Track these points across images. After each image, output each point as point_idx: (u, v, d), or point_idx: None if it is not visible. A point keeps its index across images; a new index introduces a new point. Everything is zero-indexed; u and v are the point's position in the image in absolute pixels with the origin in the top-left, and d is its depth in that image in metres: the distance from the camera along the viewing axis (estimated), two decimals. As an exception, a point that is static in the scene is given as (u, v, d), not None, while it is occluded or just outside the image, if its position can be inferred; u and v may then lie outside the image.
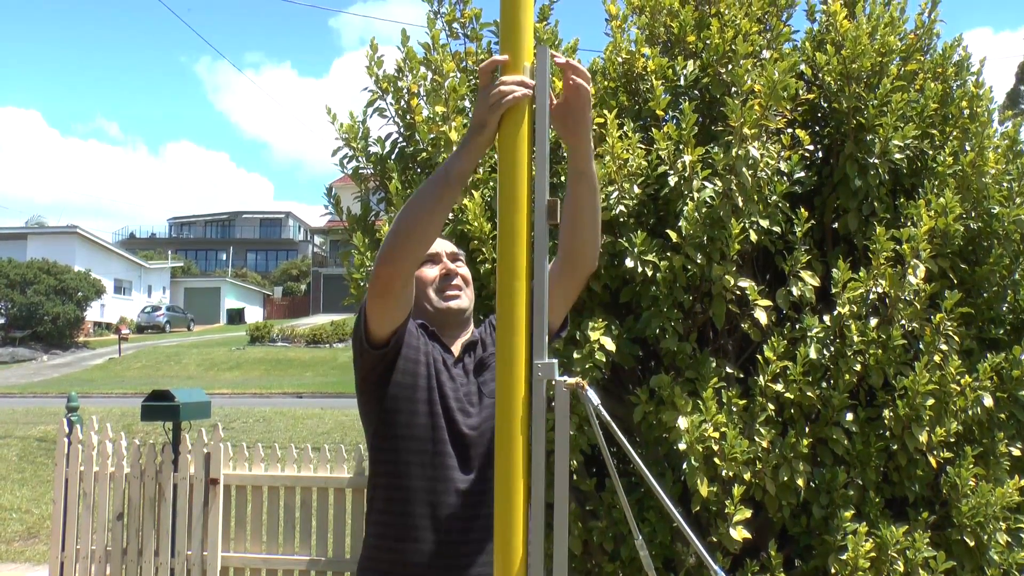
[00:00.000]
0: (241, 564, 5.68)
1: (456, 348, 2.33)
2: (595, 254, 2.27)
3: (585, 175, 2.07)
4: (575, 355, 3.30)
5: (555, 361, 1.72)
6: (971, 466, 3.36)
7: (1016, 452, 3.59)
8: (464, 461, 2.20)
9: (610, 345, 3.29)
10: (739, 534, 3.18)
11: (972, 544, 3.36)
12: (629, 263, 3.37)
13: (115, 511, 5.72)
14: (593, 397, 1.75)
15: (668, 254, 3.40)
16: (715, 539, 3.24)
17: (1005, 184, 3.85)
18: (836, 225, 3.78)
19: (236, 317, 50.39)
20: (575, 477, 3.60)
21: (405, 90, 4.06)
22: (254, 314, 52.74)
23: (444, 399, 2.22)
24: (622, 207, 3.44)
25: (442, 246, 2.38)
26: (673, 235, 3.38)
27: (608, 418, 1.72)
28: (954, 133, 3.89)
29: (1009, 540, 3.46)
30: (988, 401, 3.44)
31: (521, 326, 1.75)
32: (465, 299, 2.38)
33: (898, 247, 3.42)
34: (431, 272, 2.34)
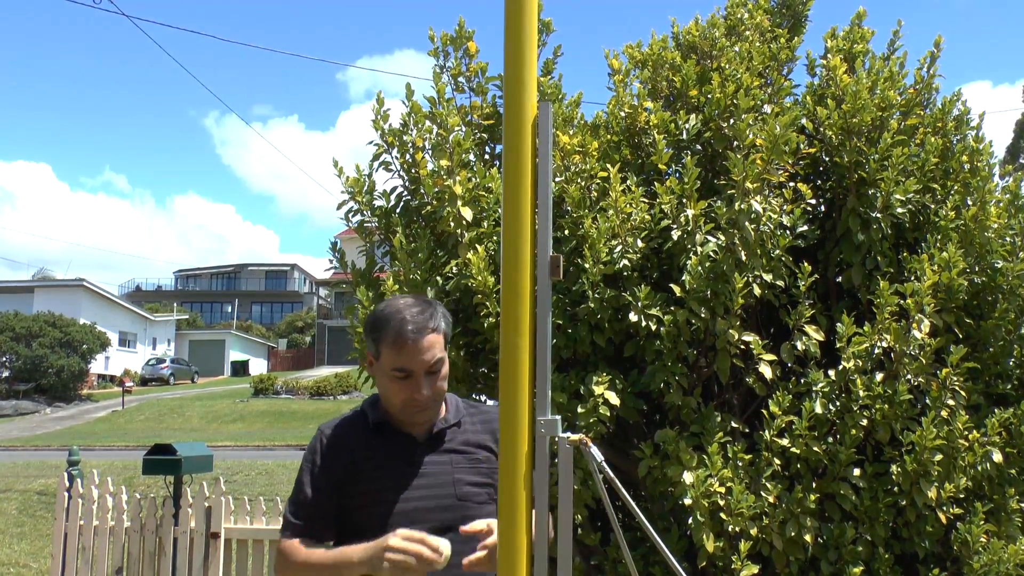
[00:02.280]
0: (241, 621, 5.60)
1: (420, 431, 2.27)
2: None
3: None
4: (579, 409, 3.28)
5: (558, 418, 1.71)
6: (982, 522, 3.31)
7: (1027, 509, 3.54)
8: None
9: (614, 399, 3.27)
10: (747, 591, 3.13)
11: (985, 602, 3.30)
12: (633, 317, 3.37)
13: (114, 565, 5.66)
14: (596, 454, 1.73)
15: (672, 308, 3.40)
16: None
17: (1008, 239, 3.86)
18: (840, 279, 3.78)
19: (240, 369, 50.36)
20: (579, 531, 3.55)
21: (410, 144, 4.10)
22: (258, 366, 52.68)
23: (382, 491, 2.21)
24: (626, 261, 3.45)
25: (419, 362, 2.12)
26: (677, 289, 3.38)
27: (612, 474, 1.70)
28: (955, 187, 3.91)
29: (1022, 598, 3.40)
30: (997, 457, 3.40)
31: (524, 382, 1.74)
32: (430, 412, 2.23)
33: (902, 301, 3.42)
34: (400, 391, 2.16)
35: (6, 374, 34.11)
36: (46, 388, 34.25)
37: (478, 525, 2.06)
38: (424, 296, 2.31)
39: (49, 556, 7.21)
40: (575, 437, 1.72)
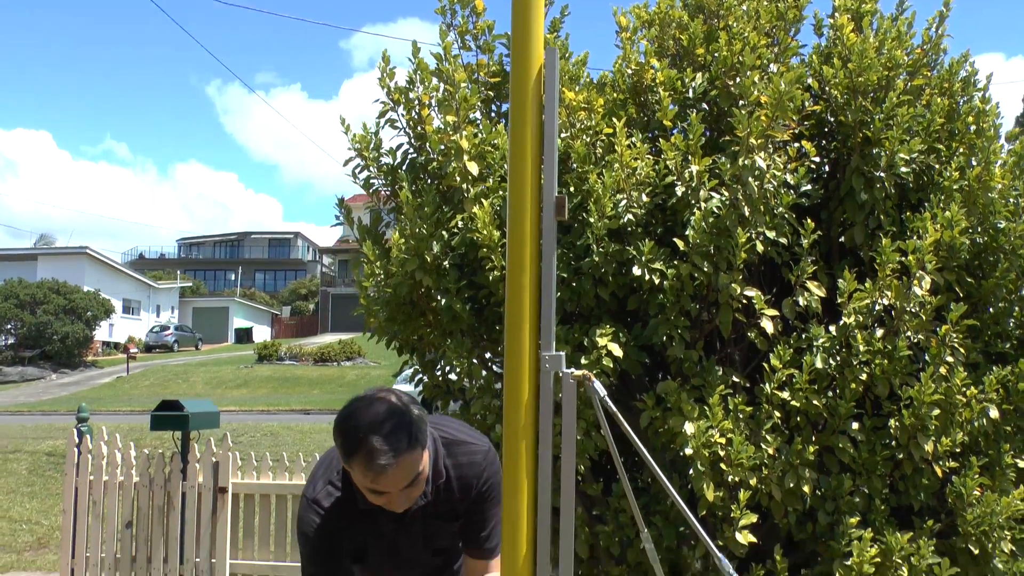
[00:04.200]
0: (249, 571, 5.71)
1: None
2: None
3: None
4: (583, 360, 3.33)
5: (562, 354, 1.75)
6: (976, 476, 3.37)
7: (1022, 464, 3.59)
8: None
9: (617, 351, 3.32)
10: (745, 538, 3.19)
11: (977, 552, 3.36)
12: (636, 271, 3.41)
13: (124, 520, 5.75)
14: (599, 388, 1.78)
15: (675, 262, 3.43)
16: (721, 543, 3.25)
17: (1011, 199, 3.88)
18: (842, 239, 3.81)
19: (244, 336, 50.52)
20: (582, 482, 3.62)
21: (416, 101, 4.12)
22: (262, 333, 52.85)
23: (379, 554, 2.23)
24: (630, 215, 3.49)
25: (392, 486, 1.99)
26: (680, 244, 3.42)
27: (614, 408, 1.75)
28: (960, 149, 3.93)
29: (1014, 549, 3.46)
30: (994, 413, 3.45)
31: (528, 319, 1.78)
32: (404, 506, 2.10)
33: (903, 259, 3.45)
34: (374, 499, 2.05)
35: (11, 341, 34.31)
36: (51, 355, 34.45)
37: None
38: (391, 403, 1.98)
39: (59, 513, 7.33)
40: (578, 373, 1.76)
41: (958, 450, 3.41)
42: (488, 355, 4.01)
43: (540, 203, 1.81)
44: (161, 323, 47.93)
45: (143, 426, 12.18)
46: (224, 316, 55.15)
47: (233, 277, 68.20)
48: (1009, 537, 3.42)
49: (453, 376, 4.33)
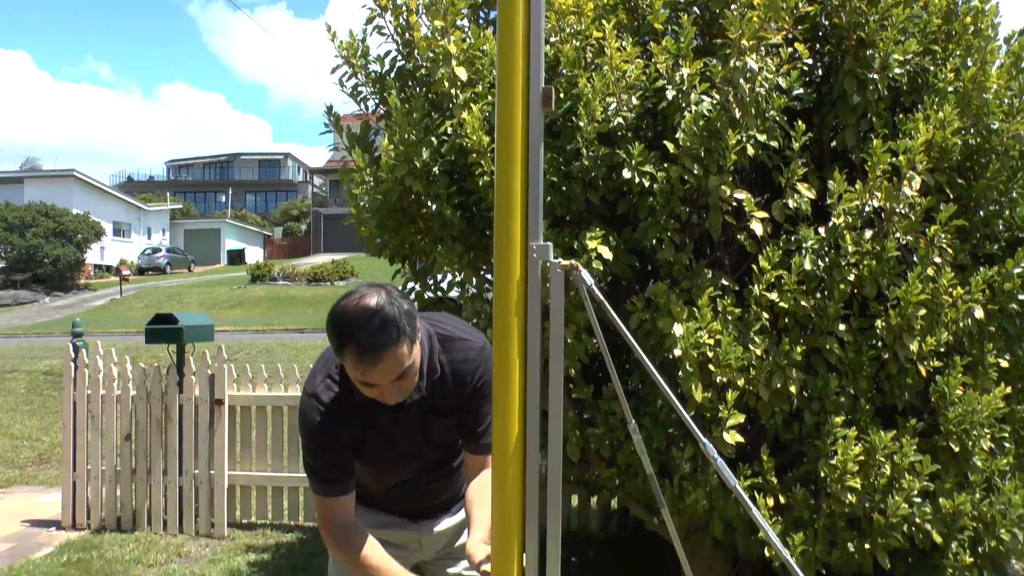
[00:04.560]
0: (247, 482, 5.83)
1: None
2: None
3: None
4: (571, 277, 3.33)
5: (550, 244, 1.76)
6: (959, 376, 3.43)
7: (1004, 363, 3.65)
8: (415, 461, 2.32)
9: (607, 254, 3.33)
10: (732, 438, 3.26)
11: (957, 450, 3.45)
12: (626, 174, 3.40)
13: (123, 432, 5.84)
14: (587, 277, 1.79)
15: (665, 165, 3.42)
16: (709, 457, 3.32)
17: (1006, 100, 3.84)
18: (834, 143, 3.79)
19: (236, 258, 50.49)
20: (573, 386, 3.67)
21: (404, 7, 4.04)
22: (254, 255, 52.79)
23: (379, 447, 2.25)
24: (620, 119, 3.46)
25: (381, 377, 2.02)
26: (670, 146, 3.40)
27: (601, 297, 1.77)
28: (957, 50, 3.87)
29: (992, 447, 3.55)
30: (979, 313, 3.49)
31: (517, 209, 1.78)
32: (397, 399, 2.13)
33: (895, 159, 3.44)
34: (367, 392, 2.09)
35: (2, 264, 34.21)
36: (43, 278, 34.41)
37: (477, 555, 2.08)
38: (379, 297, 2.00)
39: (59, 430, 7.43)
40: (566, 262, 1.77)
41: (942, 350, 3.46)
42: (480, 265, 4.02)
43: (528, 96, 1.79)
44: (153, 245, 47.74)
45: (139, 345, 12.27)
46: (216, 238, 54.97)
47: (223, 199, 67.74)
48: (988, 435, 3.50)
49: (445, 285, 4.36)
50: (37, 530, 5.92)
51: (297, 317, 24.06)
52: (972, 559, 3.55)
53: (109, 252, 43.36)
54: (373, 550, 2.16)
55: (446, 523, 2.44)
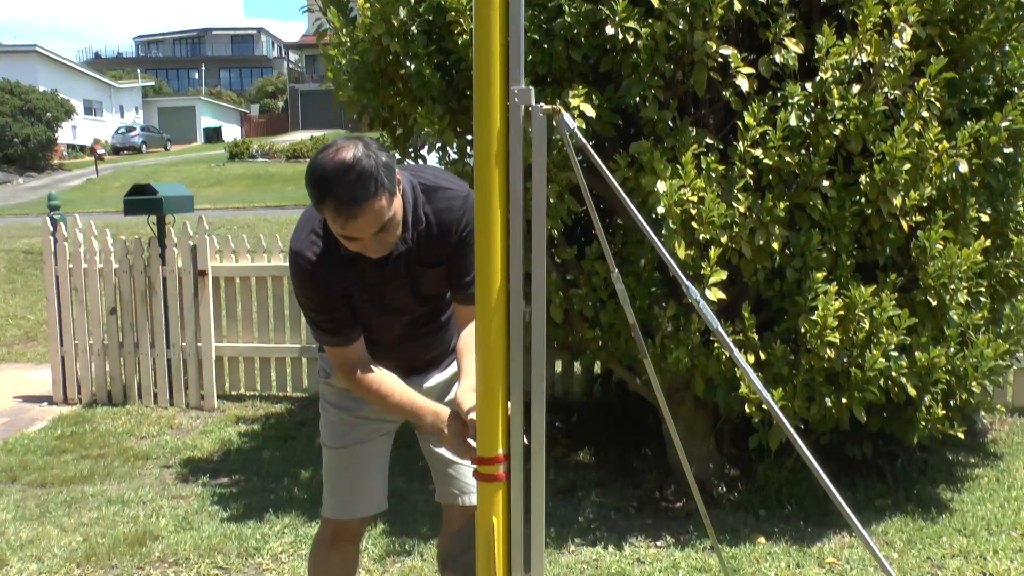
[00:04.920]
0: (235, 354, 5.89)
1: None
2: None
3: None
4: (554, 123, 3.27)
5: (532, 88, 1.71)
6: (941, 230, 3.45)
7: (985, 218, 3.67)
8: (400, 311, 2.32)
9: (590, 112, 3.27)
10: (714, 295, 3.29)
11: (934, 304, 3.50)
12: (610, 31, 3.30)
13: (108, 306, 5.84)
14: (570, 121, 1.75)
15: (650, 21, 3.32)
16: (690, 301, 3.36)
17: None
18: (824, -2, 3.68)
19: (213, 136, 49.56)
20: (555, 247, 3.67)
21: None
22: (231, 132, 51.80)
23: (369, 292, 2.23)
24: (604, -30, 3.32)
25: (362, 231, 1.99)
26: (655, 1, 3.29)
27: (584, 141, 1.73)
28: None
29: (969, 301, 3.61)
30: (963, 167, 3.48)
31: (496, 55, 1.72)
32: (380, 251, 2.10)
33: (886, 11, 3.35)
34: (349, 246, 2.06)
35: (-32, 146, 33.41)
36: (14, 158, 33.65)
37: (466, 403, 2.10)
38: (356, 150, 1.95)
39: (44, 308, 7.42)
40: (548, 107, 1.73)
41: (925, 204, 3.46)
42: (461, 128, 3.95)
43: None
44: (126, 124, 46.63)
45: (118, 222, 12.15)
46: (191, 116, 53.75)
47: (196, 76, 65.83)
48: (966, 290, 3.55)
49: (425, 152, 4.30)
50: (29, 405, 5.99)
51: (278, 194, 23.81)
52: (944, 412, 3.67)
53: (81, 131, 42.36)
54: (394, 383, 2.23)
55: (436, 379, 2.48)
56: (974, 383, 3.67)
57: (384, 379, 2.24)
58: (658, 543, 3.55)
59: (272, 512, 3.96)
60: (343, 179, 1.93)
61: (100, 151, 35.05)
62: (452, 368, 2.48)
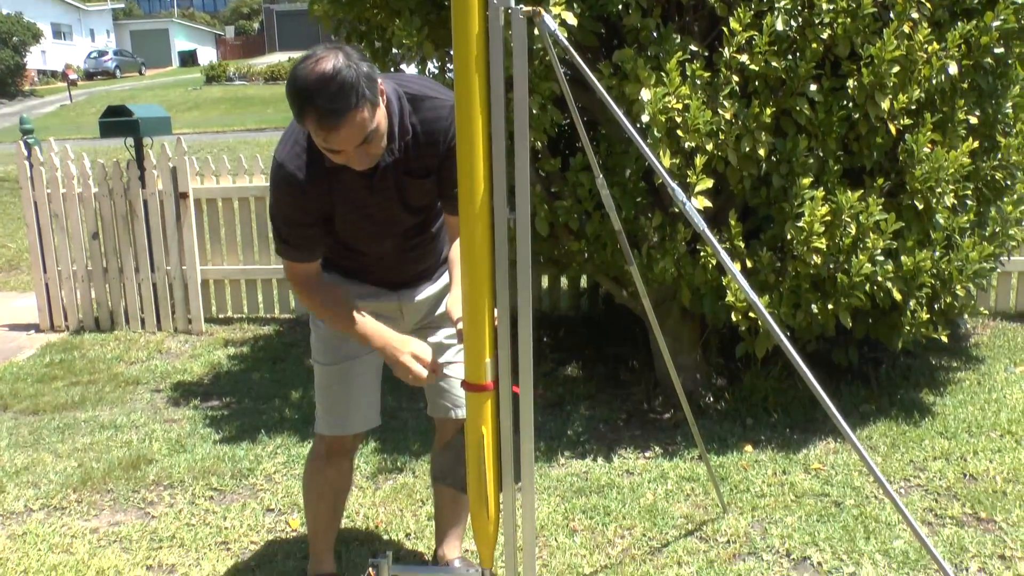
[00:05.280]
0: (220, 276, 5.86)
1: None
2: None
3: None
4: (535, 32, 3.19)
5: (512, -11, 1.65)
6: (929, 133, 3.41)
7: (973, 120, 3.63)
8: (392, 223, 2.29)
9: (572, 20, 3.18)
10: (700, 203, 3.27)
11: (921, 208, 3.49)
12: (592, -68, 3.19)
13: (89, 232, 5.77)
14: (550, 22, 1.70)
15: (633, -79, 3.21)
16: (676, 210, 3.34)
17: None
18: None
19: (189, 59, 48.52)
20: (539, 158, 3.63)
21: None
22: (207, 55, 50.65)
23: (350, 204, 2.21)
24: None
25: (345, 143, 1.95)
26: (638, -102, 3.17)
27: (567, 43, 1.69)
28: None
29: (955, 204, 3.60)
30: (953, 69, 3.42)
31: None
32: (365, 164, 2.06)
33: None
34: (335, 158, 2.02)
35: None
36: (-19, 86, 32.92)
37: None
38: (336, 60, 1.89)
39: (25, 236, 7.33)
40: (528, 8, 1.67)
41: (914, 107, 3.42)
42: (438, 41, 3.85)
43: None
44: (99, 48, 45.53)
45: (95, 148, 11.95)
46: (164, 39, 52.47)
47: (168, -4, 63.99)
48: (952, 193, 3.53)
49: (404, 66, 4.20)
50: (16, 334, 5.97)
51: (257, 116, 23.44)
52: (928, 316, 3.69)
53: (51, 56, 41.33)
54: (341, 305, 2.25)
55: (427, 291, 2.46)
56: (959, 286, 3.69)
57: (335, 300, 2.26)
58: (647, 454, 3.61)
59: (264, 433, 3.99)
60: (323, 91, 1.87)
61: (73, 76, 34.27)
62: (444, 280, 2.47)
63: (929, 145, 3.43)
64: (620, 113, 1.80)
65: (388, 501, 3.30)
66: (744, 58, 3.28)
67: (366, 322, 2.21)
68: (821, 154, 3.45)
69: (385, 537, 3.06)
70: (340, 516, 2.69)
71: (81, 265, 5.82)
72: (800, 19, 3.32)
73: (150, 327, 5.81)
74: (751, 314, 3.44)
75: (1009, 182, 3.80)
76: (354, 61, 1.92)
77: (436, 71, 3.89)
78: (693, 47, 3.43)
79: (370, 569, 1.96)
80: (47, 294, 5.90)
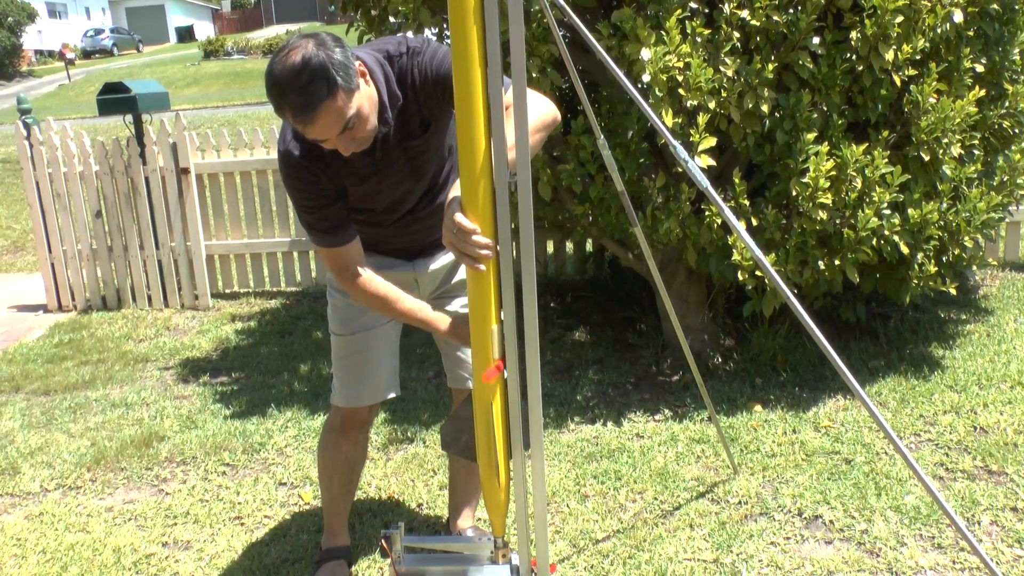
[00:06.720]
0: (225, 251, 5.85)
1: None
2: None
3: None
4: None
5: (505, -53, 1.62)
6: (934, 83, 3.36)
7: (980, 68, 3.57)
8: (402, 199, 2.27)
9: (570, -21, 3.13)
10: (704, 162, 3.23)
11: (927, 159, 3.45)
12: None
13: (92, 210, 5.76)
14: (546, -18, 1.66)
15: None
16: (680, 170, 3.31)
17: None
18: None
19: (186, 35, 48.16)
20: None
21: None
22: (204, 30, 50.28)
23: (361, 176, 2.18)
24: None
25: (324, 133, 1.92)
26: None
27: (564, 4, 1.65)
28: None
29: (962, 154, 3.55)
30: (958, 17, 3.36)
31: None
32: (353, 148, 2.02)
33: None
34: (320, 143, 1.99)
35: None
36: (-21, 67, 32.79)
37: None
38: (306, 50, 1.85)
39: (29, 217, 7.33)
40: (523, -33, 1.64)
41: (918, 57, 3.36)
42: (434, 7, 3.79)
43: None
44: (95, 27, 45.20)
45: (95, 127, 11.90)
46: (160, 15, 52.06)
47: (162, -29, 63.36)
48: (959, 143, 3.49)
49: (401, 33, 4.14)
50: (24, 315, 5.99)
51: (256, 91, 23.26)
52: (936, 268, 3.66)
53: (48, 35, 41.08)
54: (390, 288, 2.20)
55: (442, 260, 2.44)
56: (966, 238, 3.66)
57: (385, 285, 2.20)
58: (656, 417, 3.61)
59: (274, 407, 4.01)
60: (293, 84, 1.84)
61: (70, 55, 34.07)
62: None
63: (935, 95, 3.38)
64: (620, 74, 1.77)
65: (400, 472, 3.32)
66: (744, 13, 3.23)
67: (415, 305, 2.21)
68: (825, 108, 3.40)
69: (397, 508, 3.07)
70: (354, 490, 2.70)
71: (86, 244, 5.81)
72: (801, -29, 3.26)
73: (157, 304, 5.82)
74: (758, 273, 3.42)
75: (1017, 130, 3.76)
76: (326, 49, 1.88)
77: (434, 37, 3.84)
78: (693, 4, 3.37)
79: (383, 541, 1.97)
80: (53, 275, 5.90)
